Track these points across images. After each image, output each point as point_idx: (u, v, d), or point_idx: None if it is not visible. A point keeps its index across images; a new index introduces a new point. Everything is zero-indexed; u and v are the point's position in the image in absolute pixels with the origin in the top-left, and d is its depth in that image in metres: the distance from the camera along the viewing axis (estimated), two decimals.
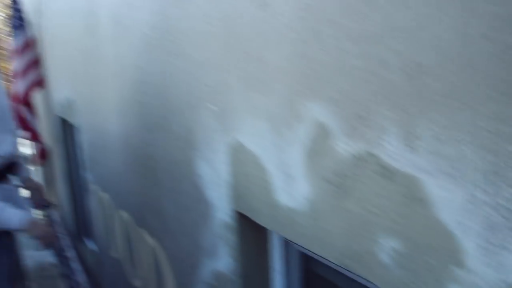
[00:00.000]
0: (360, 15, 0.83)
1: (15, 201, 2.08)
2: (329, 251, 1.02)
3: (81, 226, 4.53)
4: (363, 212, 0.91)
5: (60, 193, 5.23)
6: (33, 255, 4.28)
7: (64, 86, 3.78)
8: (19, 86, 4.67)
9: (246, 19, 1.13)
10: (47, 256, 4.35)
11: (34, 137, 4.94)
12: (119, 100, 2.19)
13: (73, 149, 4.36)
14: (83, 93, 3.03)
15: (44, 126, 5.18)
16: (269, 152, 1.12)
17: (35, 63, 4.81)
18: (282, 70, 1.04)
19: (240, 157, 1.24)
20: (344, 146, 0.92)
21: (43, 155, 5.11)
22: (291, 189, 1.07)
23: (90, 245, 4.22)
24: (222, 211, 1.39)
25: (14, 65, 4.64)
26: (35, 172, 6.10)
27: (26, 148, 4.73)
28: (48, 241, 2.04)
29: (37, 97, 5.03)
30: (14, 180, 2.19)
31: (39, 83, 4.83)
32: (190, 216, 1.61)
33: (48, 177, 5.69)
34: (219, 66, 1.26)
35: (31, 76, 4.74)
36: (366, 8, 0.82)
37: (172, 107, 1.59)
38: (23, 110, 4.75)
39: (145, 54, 1.78)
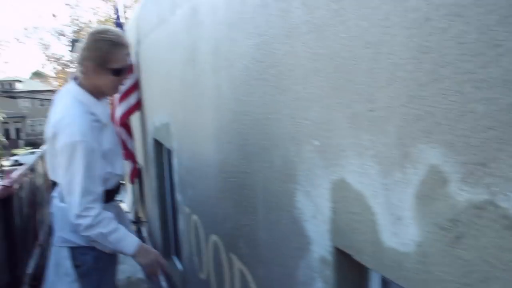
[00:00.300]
0: (484, 60, 0.81)
1: (122, 218, 2.22)
2: None
3: (169, 244, 4.71)
4: (480, 263, 0.87)
5: (149, 211, 5.49)
6: (122, 269, 4.50)
7: (160, 111, 4.01)
8: (119, 109, 5.02)
9: (355, 57, 1.14)
10: (136, 272, 4.56)
11: (129, 156, 5.26)
12: (216, 128, 2.27)
13: (164, 170, 4.57)
14: (179, 119, 3.18)
15: (138, 146, 5.50)
16: (376, 192, 1.10)
17: (133, 87, 5.15)
18: (393, 111, 1.03)
19: (344, 194, 1.23)
20: (460, 193, 0.89)
21: (135, 174, 5.42)
22: (399, 230, 1.05)
23: (177, 263, 4.36)
24: (320, 245, 1.39)
25: None
26: (127, 189, 6.46)
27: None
28: (154, 272, 2.08)
29: (133, 119, 5.36)
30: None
31: (136, 106, 5.16)
32: (286, 247, 1.63)
33: (139, 195, 6.02)
34: (325, 102, 1.28)
35: (130, 100, 5.07)
36: (492, 52, 0.80)
37: (273, 140, 1.63)
38: (121, 131, 5.09)
39: (245, 86, 1.85)
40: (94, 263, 2.02)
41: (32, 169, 3.26)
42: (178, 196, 3.52)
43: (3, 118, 22.82)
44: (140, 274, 4.54)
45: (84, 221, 1.87)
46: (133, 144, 5.32)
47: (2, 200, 2.22)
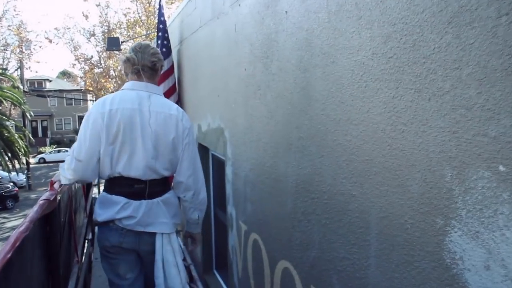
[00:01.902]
0: None
1: None
2: None
3: (210, 257, 4.37)
4: None
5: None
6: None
7: (208, 113, 3.67)
8: None
9: None
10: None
11: None
12: (300, 139, 1.91)
13: (209, 177, 4.24)
14: (238, 123, 2.84)
15: None
16: None
17: (172, 89, 4.84)
18: None
19: None
20: None
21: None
22: None
23: (220, 280, 4.02)
24: None
25: None
26: None
27: None
28: (195, 247, 2.52)
29: None
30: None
31: None
32: None
33: None
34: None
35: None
36: None
37: (407, 158, 1.26)
38: None
39: (358, 88, 1.48)
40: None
41: None
42: (231, 210, 3.17)
43: (31, 116, 23.00)
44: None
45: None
46: None
47: (45, 216, 1.89)
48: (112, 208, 2.14)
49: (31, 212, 1.58)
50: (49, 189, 2.00)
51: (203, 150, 4.20)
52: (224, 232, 3.70)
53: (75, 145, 2.15)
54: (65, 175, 2.18)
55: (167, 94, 4.74)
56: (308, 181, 1.88)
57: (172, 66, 4.80)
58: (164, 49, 4.73)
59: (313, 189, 1.83)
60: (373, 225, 1.44)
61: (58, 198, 2.12)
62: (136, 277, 2.25)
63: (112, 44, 11.42)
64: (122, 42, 13.49)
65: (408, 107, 1.25)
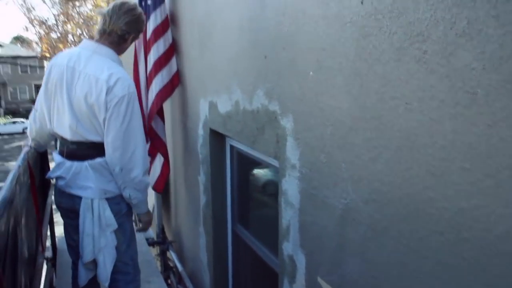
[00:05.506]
0: None
1: None
2: None
3: None
4: None
5: (184, 230, 3.83)
6: None
7: (235, 86, 2.35)
8: (154, 83, 3.31)
9: None
10: None
11: (160, 149, 3.59)
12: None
13: (227, 181, 2.93)
14: (327, 109, 1.55)
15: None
16: None
17: (169, 52, 3.41)
18: None
19: None
20: None
21: (166, 177, 3.70)
22: None
23: None
24: None
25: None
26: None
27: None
28: (146, 228, 2.42)
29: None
30: None
31: (177, 78, 3.46)
32: None
33: (162, 204, 4.32)
34: None
35: (171, 68, 3.38)
36: None
37: None
38: (154, 117, 3.43)
39: None
40: (128, 210, 2.20)
41: (11, 201, 1.64)
42: (292, 250, 1.90)
43: None
44: None
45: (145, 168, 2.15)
46: (164, 132, 3.64)
47: None
48: (53, 166, 2.22)
49: None
50: None
51: (216, 139, 2.88)
52: (263, 273, 2.45)
53: None
54: (30, 128, 2.29)
55: (164, 61, 3.33)
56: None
57: (167, 20, 3.39)
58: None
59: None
60: None
61: None
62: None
63: None
64: None
65: None
